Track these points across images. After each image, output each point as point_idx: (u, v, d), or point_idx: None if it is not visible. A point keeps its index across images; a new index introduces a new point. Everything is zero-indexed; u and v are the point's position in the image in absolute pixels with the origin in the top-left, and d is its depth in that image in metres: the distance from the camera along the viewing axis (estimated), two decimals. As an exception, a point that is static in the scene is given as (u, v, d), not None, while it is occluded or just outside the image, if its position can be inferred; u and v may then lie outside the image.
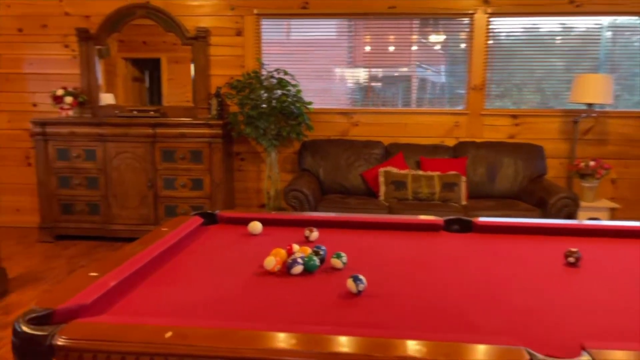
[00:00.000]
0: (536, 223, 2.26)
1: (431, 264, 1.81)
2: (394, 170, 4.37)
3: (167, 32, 4.78)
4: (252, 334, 1.18)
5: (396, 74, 4.96)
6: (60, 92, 4.76)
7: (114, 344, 1.15)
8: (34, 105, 5.08)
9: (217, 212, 2.36)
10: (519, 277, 1.69)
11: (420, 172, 4.35)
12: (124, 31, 4.86)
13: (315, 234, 2.04)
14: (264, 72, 4.73)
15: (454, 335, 1.22)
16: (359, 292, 1.50)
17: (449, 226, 2.27)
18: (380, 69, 4.93)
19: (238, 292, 1.53)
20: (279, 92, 4.51)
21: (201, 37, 4.76)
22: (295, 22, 4.89)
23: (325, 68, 4.93)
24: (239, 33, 4.84)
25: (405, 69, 4.93)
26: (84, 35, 4.81)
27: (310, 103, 4.59)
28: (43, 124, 4.58)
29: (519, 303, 1.47)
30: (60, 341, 1.16)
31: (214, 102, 4.72)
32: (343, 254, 1.74)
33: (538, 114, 4.77)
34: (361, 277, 1.52)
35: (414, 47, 4.86)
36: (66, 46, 4.97)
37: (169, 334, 1.17)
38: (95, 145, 4.58)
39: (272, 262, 1.68)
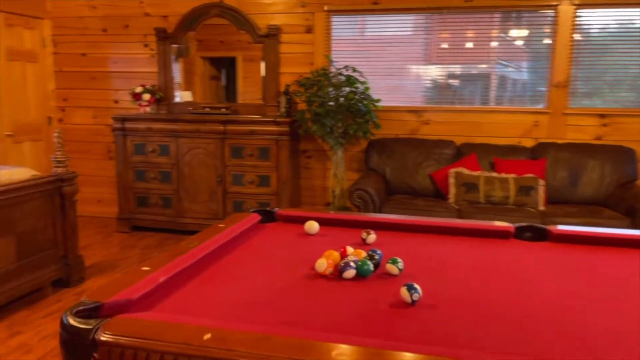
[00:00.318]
0: (623, 234, 2.03)
1: (496, 275, 1.66)
2: (466, 171, 4.16)
3: (239, 30, 4.85)
4: (294, 342, 1.12)
5: (474, 71, 4.72)
6: (138, 89, 4.97)
7: (154, 342, 1.13)
8: (116, 102, 5.35)
9: (276, 209, 2.32)
10: (600, 295, 1.50)
11: (494, 174, 4.11)
12: (201, 31, 5.00)
13: (372, 237, 1.95)
14: (332, 70, 4.67)
15: (517, 358, 1.09)
16: (413, 302, 1.40)
17: (520, 234, 2.10)
18: (457, 66, 4.71)
19: (286, 295, 1.47)
20: (347, 89, 4.44)
21: (272, 35, 4.79)
22: (368, 19, 4.79)
23: (398, 65, 4.78)
24: (309, 30, 4.82)
25: (483, 66, 4.68)
26: (161, 35, 5.00)
27: (378, 100, 4.48)
28: (123, 119, 4.81)
29: (598, 325, 1.30)
30: (103, 336, 1.15)
31: (282, 99, 4.73)
32: (399, 260, 1.64)
33: (630, 114, 4.35)
34: (416, 286, 1.41)
35: (494, 43, 4.60)
36: (146, 45, 5.18)
37: (207, 336, 1.13)
38: (169, 141, 4.74)
39: (323, 264, 1.61)
